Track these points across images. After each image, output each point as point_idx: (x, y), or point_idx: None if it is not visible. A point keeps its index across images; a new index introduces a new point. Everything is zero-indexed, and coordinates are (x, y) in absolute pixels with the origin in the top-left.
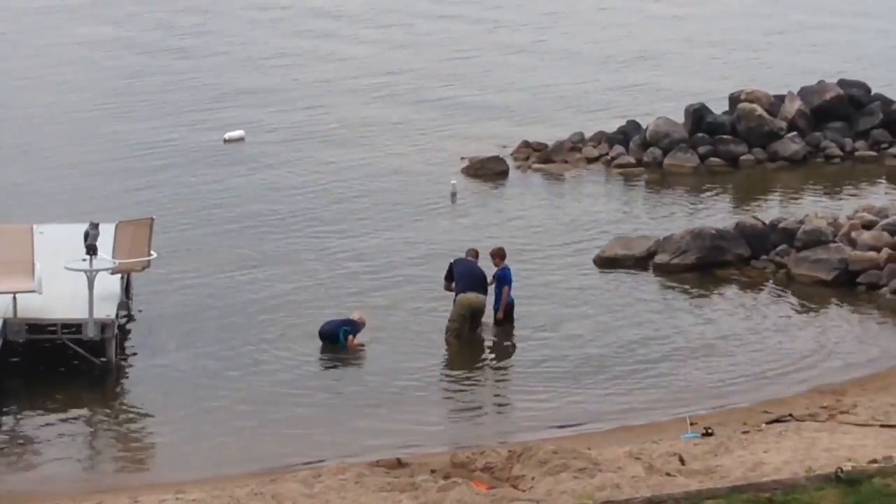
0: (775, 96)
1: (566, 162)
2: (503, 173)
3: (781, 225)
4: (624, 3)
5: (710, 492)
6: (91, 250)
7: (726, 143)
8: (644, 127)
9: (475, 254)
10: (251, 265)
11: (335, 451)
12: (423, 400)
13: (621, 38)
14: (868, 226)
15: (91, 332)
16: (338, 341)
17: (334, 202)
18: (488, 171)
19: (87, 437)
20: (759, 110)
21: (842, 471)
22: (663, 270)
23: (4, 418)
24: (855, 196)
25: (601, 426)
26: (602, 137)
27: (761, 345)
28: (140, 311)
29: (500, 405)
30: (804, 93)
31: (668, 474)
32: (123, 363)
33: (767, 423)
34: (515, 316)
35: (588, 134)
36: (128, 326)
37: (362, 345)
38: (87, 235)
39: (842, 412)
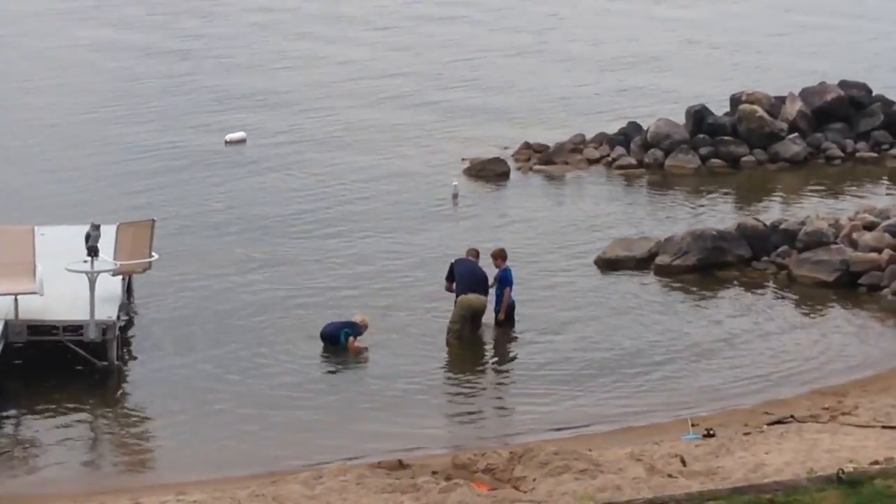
0: (776, 97)
1: (567, 163)
2: (504, 175)
3: (783, 226)
4: (625, 5)
5: (712, 493)
6: (92, 252)
7: (727, 144)
8: (645, 128)
9: (475, 253)
10: (252, 268)
11: (336, 454)
12: (425, 402)
13: (622, 40)
14: (869, 227)
15: (92, 334)
16: (339, 343)
17: (336, 204)
18: (489, 172)
19: (87, 438)
20: (760, 111)
21: (843, 472)
22: (664, 272)
23: (5, 420)
24: (856, 197)
25: (602, 427)
26: (603, 139)
27: (762, 346)
28: (141, 313)
29: (500, 407)
30: (805, 94)
31: (670, 475)
32: (124, 365)
33: (769, 424)
34: (516, 317)
35: (589, 135)
36: (129, 328)
37: (366, 348)
38: (88, 237)
39: (843, 413)
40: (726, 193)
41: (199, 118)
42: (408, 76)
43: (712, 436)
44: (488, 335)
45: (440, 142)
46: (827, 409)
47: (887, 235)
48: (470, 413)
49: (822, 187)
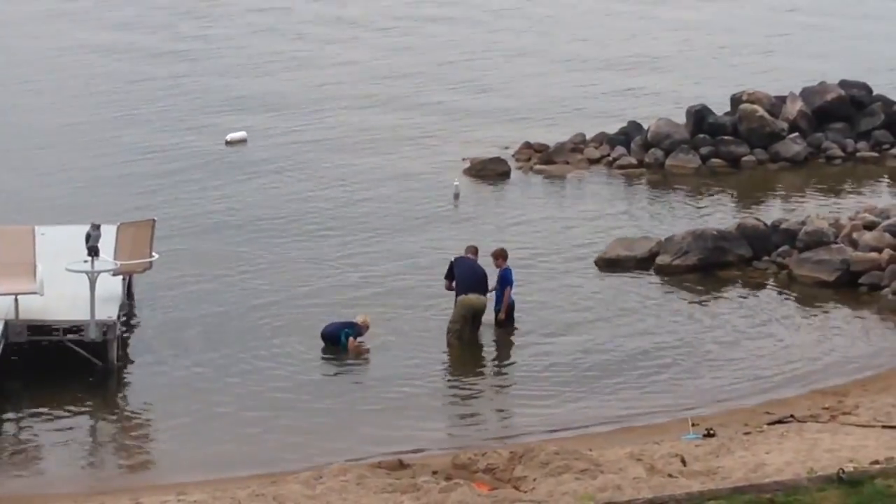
0: (776, 97)
1: (568, 163)
2: (505, 174)
3: (783, 226)
4: (626, 5)
5: (712, 493)
6: (93, 252)
7: (728, 143)
8: (645, 128)
9: (475, 251)
10: (253, 269)
11: (337, 454)
12: (425, 402)
13: (622, 40)
14: (870, 227)
15: (93, 334)
16: (339, 343)
17: (337, 205)
18: (490, 172)
19: (88, 438)
20: (761, 111)
21: (843, 472)
22: (665, 271)
23: (6, 420)
24: (856, 197)
25: (602, 427)
26: (603, 138)
27: (763, 346)
28: (141, 314)
29: (501, 407)
30: (805, 94)
31: (670, 475)
32: (125, 365)
33: (769, 424)
34: (516, 317)
35: (589, 135)
36: (129, 328)
37: (367, 349)
38: (88, 237)
39: (843, 413)
40: (727, 193)
41: (200, 119)
42: (408, 77)
43: (712, 435)
44: (488, 335)
45: (441, 142)
46: (827, 408)
47: (887, 235)
48: (470, 413)
49: (823, 187)
